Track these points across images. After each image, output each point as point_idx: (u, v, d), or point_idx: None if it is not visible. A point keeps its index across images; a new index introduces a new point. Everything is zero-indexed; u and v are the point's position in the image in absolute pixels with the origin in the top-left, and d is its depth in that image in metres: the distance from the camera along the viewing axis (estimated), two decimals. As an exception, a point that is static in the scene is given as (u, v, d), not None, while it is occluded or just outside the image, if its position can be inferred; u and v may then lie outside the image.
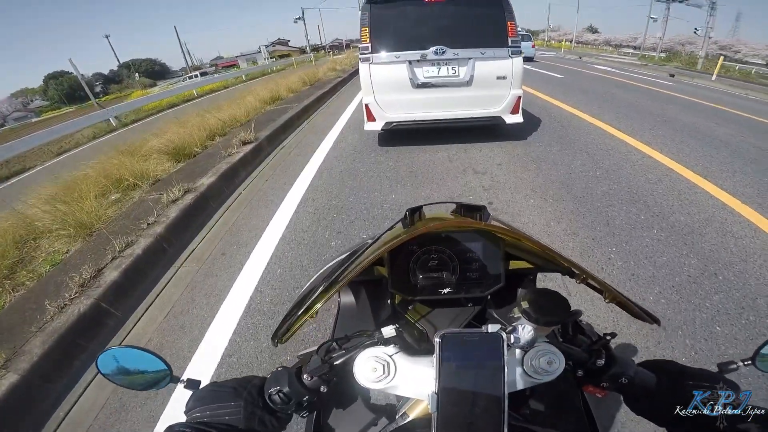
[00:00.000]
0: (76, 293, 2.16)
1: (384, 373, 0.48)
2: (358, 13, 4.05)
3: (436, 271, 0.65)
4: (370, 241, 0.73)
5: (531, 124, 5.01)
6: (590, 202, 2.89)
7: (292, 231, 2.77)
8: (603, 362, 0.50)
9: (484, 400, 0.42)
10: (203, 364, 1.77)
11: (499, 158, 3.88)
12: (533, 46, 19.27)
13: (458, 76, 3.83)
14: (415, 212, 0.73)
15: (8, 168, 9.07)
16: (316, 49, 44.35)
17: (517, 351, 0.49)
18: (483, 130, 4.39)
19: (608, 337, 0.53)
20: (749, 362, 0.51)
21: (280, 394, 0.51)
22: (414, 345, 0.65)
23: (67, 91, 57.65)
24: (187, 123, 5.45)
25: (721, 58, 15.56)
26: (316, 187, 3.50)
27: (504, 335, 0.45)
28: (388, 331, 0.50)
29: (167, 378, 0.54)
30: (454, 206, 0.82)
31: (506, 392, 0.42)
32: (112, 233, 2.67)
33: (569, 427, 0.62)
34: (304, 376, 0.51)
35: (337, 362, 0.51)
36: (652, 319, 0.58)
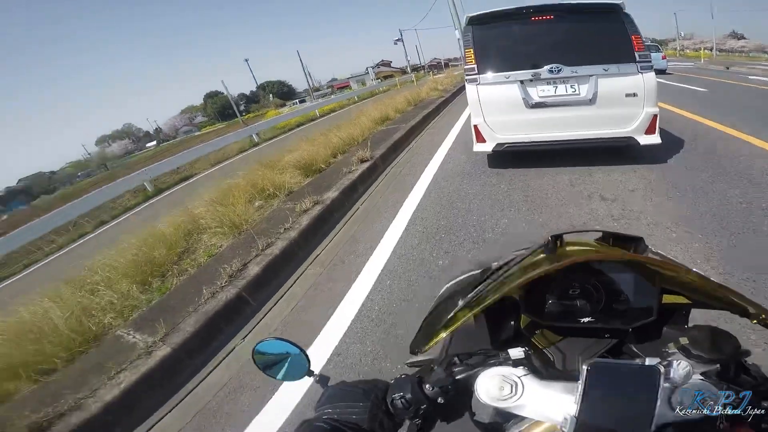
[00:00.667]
0: (225, 282, 2.59)
1: (511, 392, 0.48)
2: (454, 32, 4.09)
3: (576, 299, 0.63)
4: (502, 262, 0.72)
5: (671, 145, 4.28)
6: (752, 239, 2.37)
7: (403, 246, 2.94)
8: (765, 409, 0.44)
9: (627, 428, 0.40)
10: (314, 358, 2.00)
11: (632, 184, 3.43)
12: (664, 57, 16.85)
13: (579, 94, 3.58)
14: (558, 238, 0.70)
15: (180, 174, 11.63)
16: (416, 69, 45.60)
17: (666, 385, 0.46)
18: (612, 152, 3.95)
19: None
20: None
21: (403, 400, 0.54)
22: (541, 370, 0.64)
23: (219, 108, 71.06)
24: (314, 141, 6.20)
25: None
26: (425, 206, 3.63)
27: (662, 369, 0.43)
28: (516, 352, 0.51)
29: (304, 371, 0.61)
30: (599, 234, 0.77)
31: (654, 426, 0.40)
32: (257, 234, 3.16)
33: None
34: (427, 385, 0.54)
35: (460, 376, 0.53)
36: None
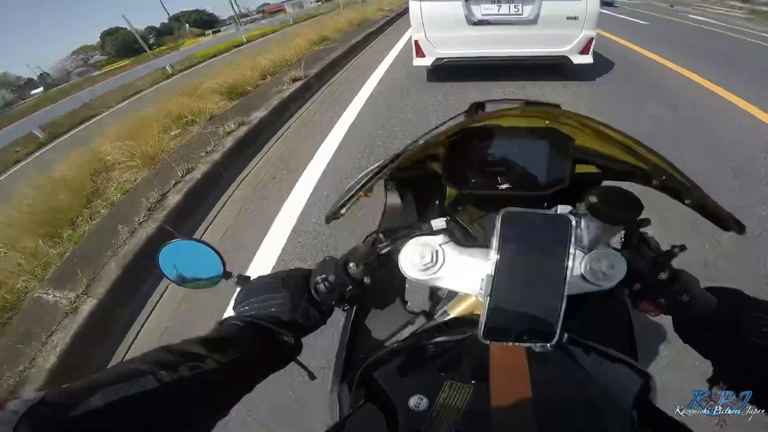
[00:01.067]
0: (144, 217, 2.34)
1: (432, 260, 0.46)
2: None
3: (495, 166, 0.62)
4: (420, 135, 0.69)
5: (603, 66, 4.51)
6: (657, 147, 2.63)
7: (339, 158, 2.81)
8: (666, 276, 0.46)
9: (542, 287, 0.40)
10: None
11: (561, 98, 3.57)
12: None
13: (522, 14, 3.60)
14: (479, 107, 0.66)
15: (80, 115, 9.91)
16: None
17: (578, 252, 0.46)
18: (545, 69, 4.05)
19: (676, 250, 0.48)
20: None
21: (325, 283, 0.50)
22: (462, 241, 0.63)
23: (122, 45, 60.64)
24: (239, 65, 5.57)
25: None
26: (363, 119, 3.51)
27: (573, 219, 0.41)
28: (439, 223, 0.48)
29: (220, 274, 0.52)
30: (522, 103, 0.76)
31: (568, 279, 0.39)
32: (175, 161, 2.85)
33: (610, 345, 0.57)
34: (350, 264, 0.50)
35: (383, 251, 0.50)
36: (738, 226, 0.51)
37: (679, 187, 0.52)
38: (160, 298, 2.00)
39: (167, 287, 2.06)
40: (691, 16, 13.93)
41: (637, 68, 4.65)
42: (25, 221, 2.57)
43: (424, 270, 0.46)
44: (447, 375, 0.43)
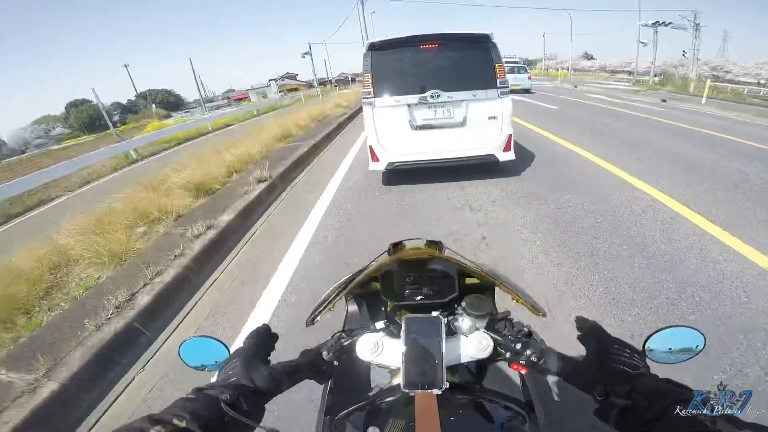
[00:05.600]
0: (112, 314, 2.41)
1: (375, 348, 0.70)
2: (362, 48, 4.43)
3: (414, 285, 0.87)
4: (366, 265, 0.97)
5: (524, 159, 5.29)
6: (576, 235, 3.13)
7: (305, 265, 3.03)
8: (520, 346, 0.68)
9: (431, 360, 0.63)
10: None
11: (493, 195, 4.17)
12: (529, 78, 18.65)
13: (453, 117, 4.17)
14: (398, 244, 1.04)
15: (35, 197, 9.26)
16: (323, 83, 45.86)
17: (462, 337, 0.71)
18: (479, 167, 4.67)
19: (525, 329, 0.72)
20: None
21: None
22: (396, 334, 0.80)
23: (86, 119, 59.83)
24: (205, 159, 5.82)
25: (708, 81, 15.99)
26: (326, 224, 3.78)
27: (443, 319, 0.67)
28: (380, 324, 0.74)
29: (227, 358, 0.68)
30: (424, 240, 1.14)
31: (444, 354, 0.62)
32: (143, 262, 2.93)
33: (509, 398, 0.76)
34: (323, 351, 0.72)
35: (345, 343, 0.73)
36: (537, 310, 0.78)
37: (498, 285, 0.83)
38: (127, 386, 2.09)
39: (134, 378, 2.15)
40: (590, 95, 16.75)
41: (552, 158, 5.52)
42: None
43: (371, 354, 0.69)
44: (382, 424, 0.61)
